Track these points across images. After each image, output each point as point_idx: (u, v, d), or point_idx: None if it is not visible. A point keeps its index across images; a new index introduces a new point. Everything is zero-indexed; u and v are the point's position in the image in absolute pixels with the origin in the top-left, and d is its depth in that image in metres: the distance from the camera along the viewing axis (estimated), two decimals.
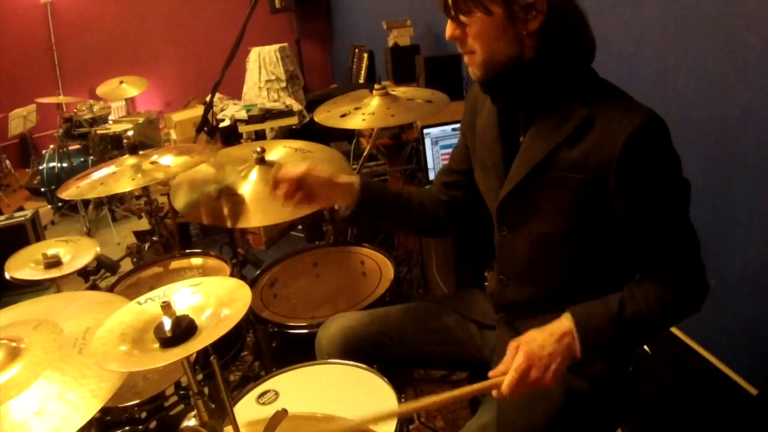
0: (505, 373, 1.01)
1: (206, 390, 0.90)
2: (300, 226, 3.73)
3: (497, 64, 1.05)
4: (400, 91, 1.93)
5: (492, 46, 1.03)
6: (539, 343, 1.02)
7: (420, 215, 1.32)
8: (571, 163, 1.04)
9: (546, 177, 1.07)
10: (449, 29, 1.07)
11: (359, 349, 1.30)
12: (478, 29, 1.02)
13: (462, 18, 1.03)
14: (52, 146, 4.68)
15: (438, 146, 2.57)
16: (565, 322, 1.04)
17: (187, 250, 2.04)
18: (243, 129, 4.33)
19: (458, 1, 1.02)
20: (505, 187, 1.13)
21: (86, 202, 4.40)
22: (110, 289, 1.89)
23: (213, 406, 0.90)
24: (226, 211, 1.65)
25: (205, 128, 2.19)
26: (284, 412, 0.99)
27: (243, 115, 4.41)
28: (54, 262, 1.70)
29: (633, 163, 0.99)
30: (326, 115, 1.89)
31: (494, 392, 1.03)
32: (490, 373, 1.05)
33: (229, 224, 1.62)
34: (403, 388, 1.21)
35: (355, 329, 1.32)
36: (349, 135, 3.35)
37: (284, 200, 1.20)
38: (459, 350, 1.34)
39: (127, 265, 2.09)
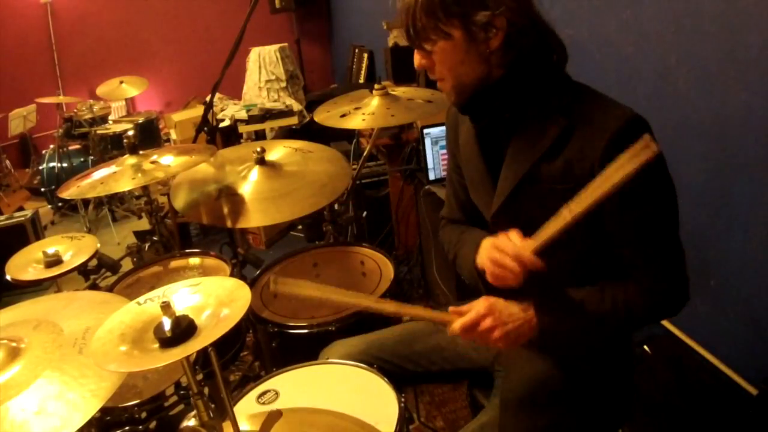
0: (464, 314, 1.06)
1: (206, 390, 0.90)
2: (300, 226, 3.73)
3: (467, 87, 1.06)
4: (400, 91, 1.93)
5: (459, 70, 1.04)
6: (506, 304, 1.07)
7: None
8: (555, 175, 1.04)
9: (533, 190, 1.07)
10: (417, 59, 1.08)
11: None
12: (443, 55, 1.03)
13: (426, 46, 1.04)
14: (52, 146, 4.69)
15: (438, 146, 2.57)
16: (532, 303, 1.09)
17: (187, 250, 2.04)
18: (243, 129, 4.34)
19: (419, 31, 1.02)
20: (495, 202, 1.13)
21: (86, 202, 4.41)
22: (110, 288, 1.89)
23: (213, 406, 0.90)
24: (226, 211, 1.65)
25: (205, 128, 2.19)
26: (278, 413, 1.00)
27: (243, 115, 4.41)
28: (54, 261, 1.70)
29: None
30: (326, 115, 1.89)
31: (449, 328, 1.07)
32: (451, 308, 1.09)
33: (229, 224, 1.62)
34: (402, 387, 1.21)
35: (353, 356, 1.33)
36: (349, 135, 3.36)
37: None
38: (454, 365, 1.34)
39: (127, 265, 2.09)
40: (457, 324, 1.06)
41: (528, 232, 1.10)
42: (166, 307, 0.82)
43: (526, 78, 1.04)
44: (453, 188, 1.35)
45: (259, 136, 4.40)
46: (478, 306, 1.07)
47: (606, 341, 1.15)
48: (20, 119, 5.10)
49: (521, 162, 1.07)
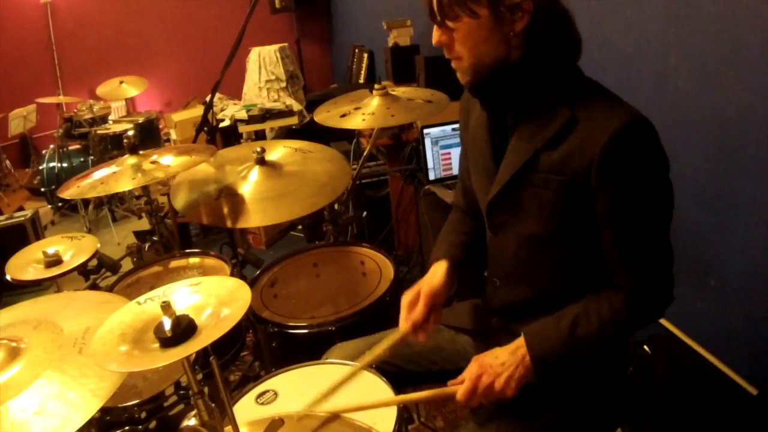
0: (462, 382, 1.09)
1: (206, 390, 0.90)
2: (300, 226, 3.73)
3: (485, 67, 1.05)
4: (400, 91, 1.93)
5: (479, 49, 1.03)
6: (494, 354, 1.11)
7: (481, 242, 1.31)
8: (553, 165, 1.04)
9: (530, 178, 1.07)
10: (436, 35, 1.07)
11: None
12: (465, 33, 1.02)
13: (449, 23, 1.03)
14: (52, 146, 4.69)
15: (438, 146, 2.57)
16: (520, 339, 1.10)
17: (187, 250, 2.04)
18: (243, 129, 4.33)
19: (444, 6, 1.01)
20: (493, 189, 1.13)
21: (86, 202, 4.41)
22: (110, 288, 1.89)
23: (213, 405, 0.90)
24: (226, 211, 1.65)
25: (205, 128, 2.20)
26: (280, 421, 1.00)
27: (243, 115, 4.41)
28: (54, 261, 1.70)
29: (613, 165, 0.98)
30: (326, 115, 1.89)
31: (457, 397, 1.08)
32: (450, 382, 1.12)
33: (229, 224, 1.63)
34: (402, 388, 1.21)
35: (354, 358, 1.31)
36: (349, 135, 3.36)
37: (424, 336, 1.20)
38: (454, 366, 1.34)
39: (127, 265, 2.09)
40: (459, 394, 1.07)
41: (521, 222, 1.11)
42: (166, 307, 0.82)
43: (541, 64, 1.04)
44: (461, 173, 1.36)
45: (259, 136, 4.40)
46: (470, 369, 1.09)
47: (597, 354, 1.15)
48: (20, 119, 5.10)
49: (522, 150, 1.07)
